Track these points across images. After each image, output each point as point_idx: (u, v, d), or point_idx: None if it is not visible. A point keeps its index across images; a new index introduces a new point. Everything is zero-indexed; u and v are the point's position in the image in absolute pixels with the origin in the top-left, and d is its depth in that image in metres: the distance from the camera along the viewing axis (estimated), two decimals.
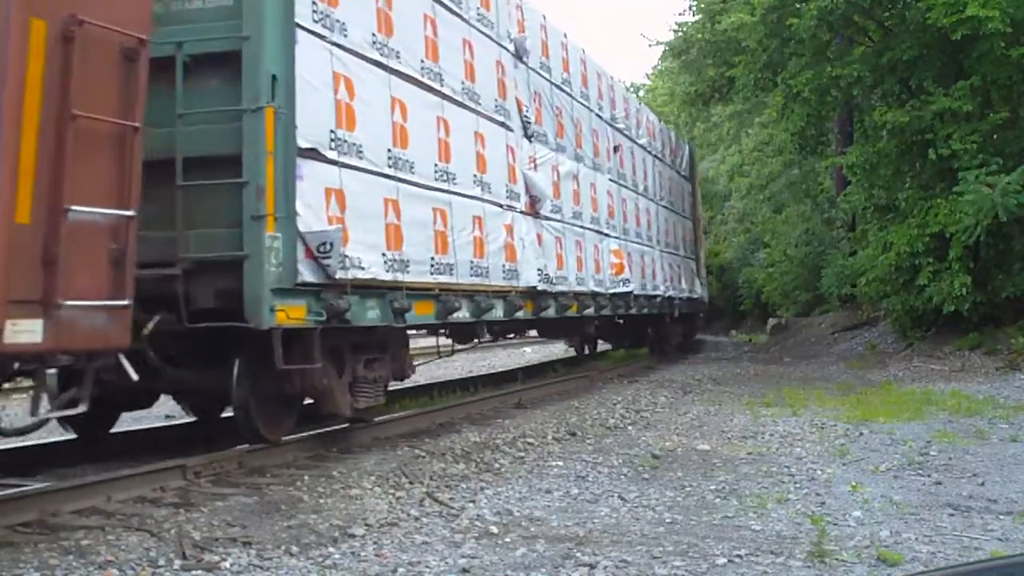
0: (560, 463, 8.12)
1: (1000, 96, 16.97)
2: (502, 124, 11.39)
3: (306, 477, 7.14)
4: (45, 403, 5.47)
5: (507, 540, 5.59)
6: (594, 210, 15.06)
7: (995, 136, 16.99)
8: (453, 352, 12.27)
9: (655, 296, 18.98)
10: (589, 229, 14.66)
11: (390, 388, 9.43)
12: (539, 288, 12.08)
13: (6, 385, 6.56)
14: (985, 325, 17.12)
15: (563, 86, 13.99)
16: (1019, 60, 15.95)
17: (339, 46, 7.85)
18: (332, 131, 7.68)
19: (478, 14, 10.82)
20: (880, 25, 19.23)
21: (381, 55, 8.53)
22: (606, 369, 18.11)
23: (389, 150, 8.58)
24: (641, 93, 43.94)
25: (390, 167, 8.57)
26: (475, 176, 10.47)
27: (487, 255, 10.56)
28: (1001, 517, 6.03)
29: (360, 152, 8.06)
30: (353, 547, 5.43)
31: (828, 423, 10.21)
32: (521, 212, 11.82)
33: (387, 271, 8.37)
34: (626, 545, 5.44)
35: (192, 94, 7.12)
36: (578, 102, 14.73)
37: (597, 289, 14.80)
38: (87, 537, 5.31)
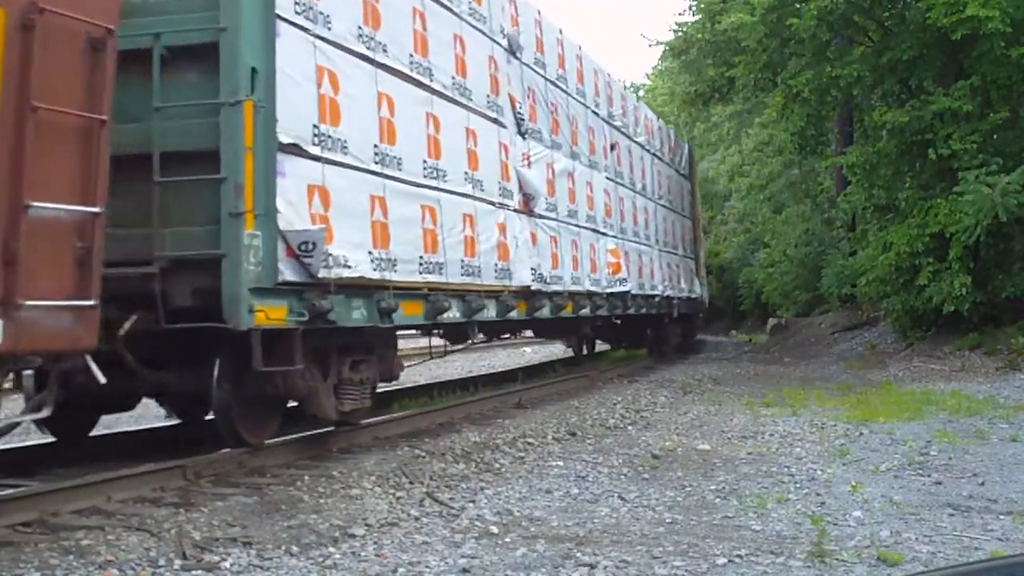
0: (560, 463, 8.13)
1: (1000, 96, 16.96)
2: (495, 120, 11.20)
3: (306, 477, 7.13)
4: (8, 407, 5.30)
5: (507, 540, 5.60)
6: (590, 208, 14.86)
7: (995, 136, 17.00)
8: (445, 353, 12.12)
9: (653, 296, 18.81)
10: (585, 228, 14.47)
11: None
12: (533, 288, 11.90)
13: None
14: (985, 325, 17.14)
15: (558, 82, 13.80)
16: (1019, 60, 15.94)
17: (323, 39, 7.66)
18: (315, 126, 7.49)
19: (469, 8, 10.62)
20: (880, 25, 19.22)
21: (367, 49, 8.34)
22: (606, 369, 18.09)
23: (376, 146, 8.38)
24: (641, 93, 43.73)
25: (377, 163, 8.37)
26: (466, 173, 10.27)
27: (479, 254, 10.36)
28: (1001, 517, 6.04)
29: (345, 148, 7.86)
30: (353, 547, 5.43)
31: (828, 423, 10.23)
32: (514, 210, 11.63)
33: (374, 270, 8.19)
34: (626, 545, 5.45)
35: (169, 87, 6.93)
36: (574, 99, 14.54)
37: (593, 289, 14.61)
38: (87, 537, 5.30)
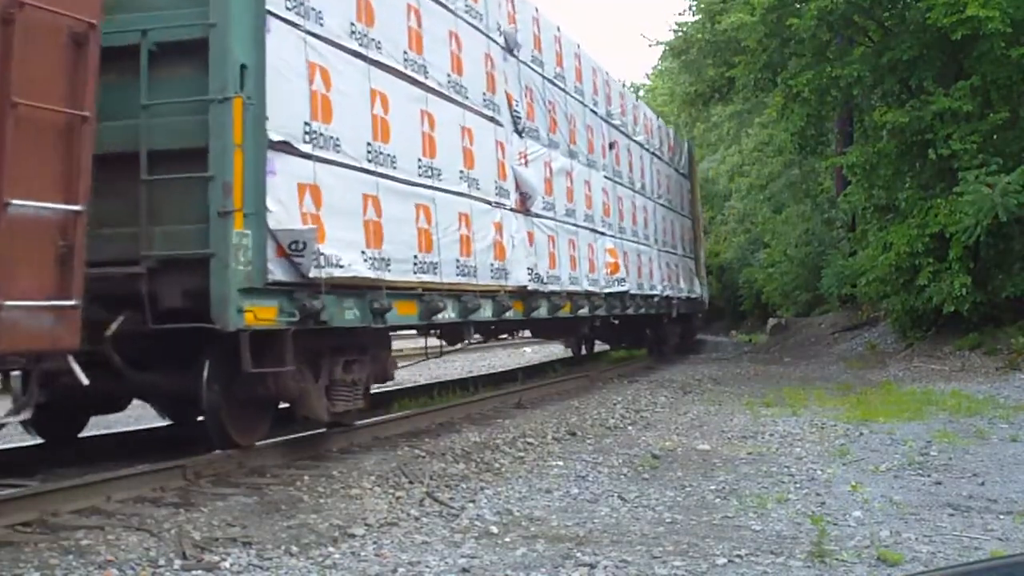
0: (560, 463, 8.11)
1: (1000, 96, 16.94)
2: (491, 119, 11.09)
3: (306, 477, 7.09)
4: None
5: (507, 540, 5.59)
6: (588, 208, 14.75)
7: (995, 136, 16.97)
8: (442, 353, 12.02)
9: (652, 296, 18.71)
10: (583, 227, 14.36)
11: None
12: (529, 288, 11.79)
13: None
14: (985, 325, 17.11)
15: (556, 80, 13.69)
16: (1019, 60, 15.89)
17: (314, 35, 7.55)
18: (306, 123, 7.38)
19: (465, 5, 10.51)
20: (880, 25, 19.18)
21: (360, 45, 8.23)
22: (605, 369, 18.04)
23: (369, 144, 8.27)
24: (641, 93, 43.64)
25: (370, 162, 8.27)
26: (462, 172, 10.17)
27: (474, 253, 10.26)
28: (1001, 517, 6.03)
29: (337, 146, 7.76)
30: (353, 547, 5.42)
31: (828, 423, 10.20)
32: (511, 209, 11.52)
33: (368, 269, 8.08)
34: (626, 545, 5.44)
35: (158, 84, 6.81)
36: (572, 97, 14.43)
37: (591, 289, 14.50)
38: (87, 537, 5.28)
